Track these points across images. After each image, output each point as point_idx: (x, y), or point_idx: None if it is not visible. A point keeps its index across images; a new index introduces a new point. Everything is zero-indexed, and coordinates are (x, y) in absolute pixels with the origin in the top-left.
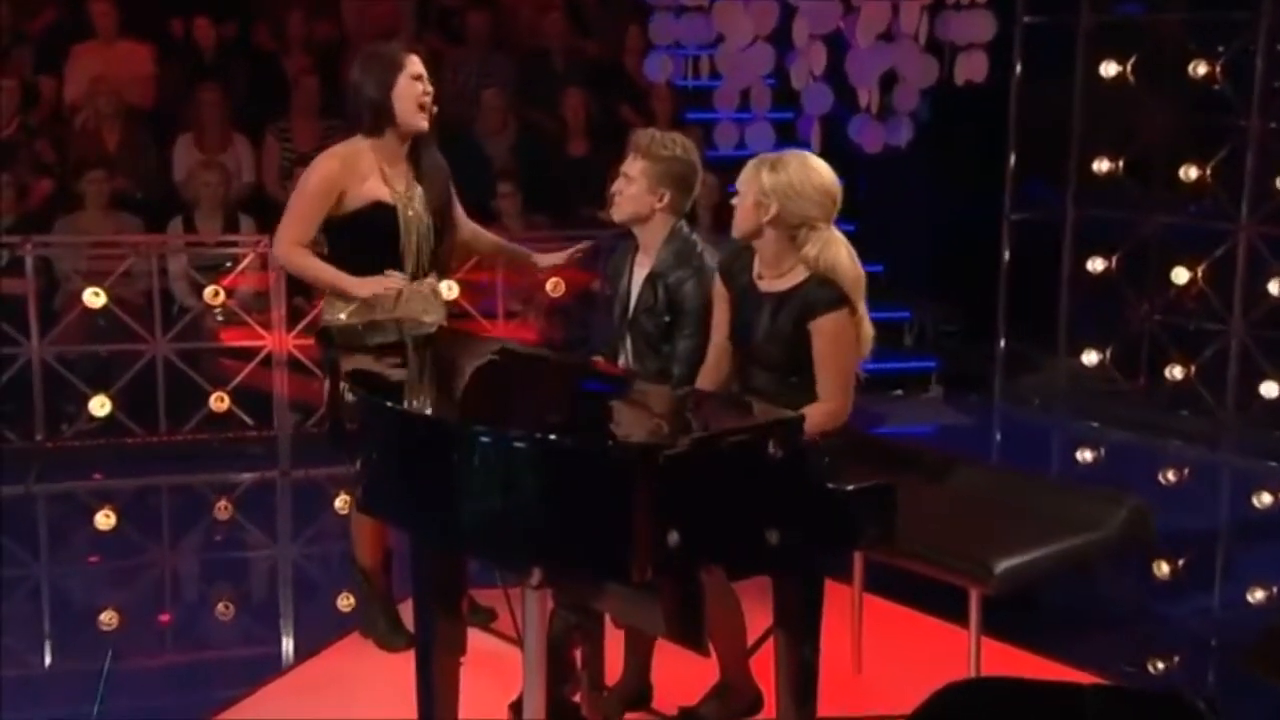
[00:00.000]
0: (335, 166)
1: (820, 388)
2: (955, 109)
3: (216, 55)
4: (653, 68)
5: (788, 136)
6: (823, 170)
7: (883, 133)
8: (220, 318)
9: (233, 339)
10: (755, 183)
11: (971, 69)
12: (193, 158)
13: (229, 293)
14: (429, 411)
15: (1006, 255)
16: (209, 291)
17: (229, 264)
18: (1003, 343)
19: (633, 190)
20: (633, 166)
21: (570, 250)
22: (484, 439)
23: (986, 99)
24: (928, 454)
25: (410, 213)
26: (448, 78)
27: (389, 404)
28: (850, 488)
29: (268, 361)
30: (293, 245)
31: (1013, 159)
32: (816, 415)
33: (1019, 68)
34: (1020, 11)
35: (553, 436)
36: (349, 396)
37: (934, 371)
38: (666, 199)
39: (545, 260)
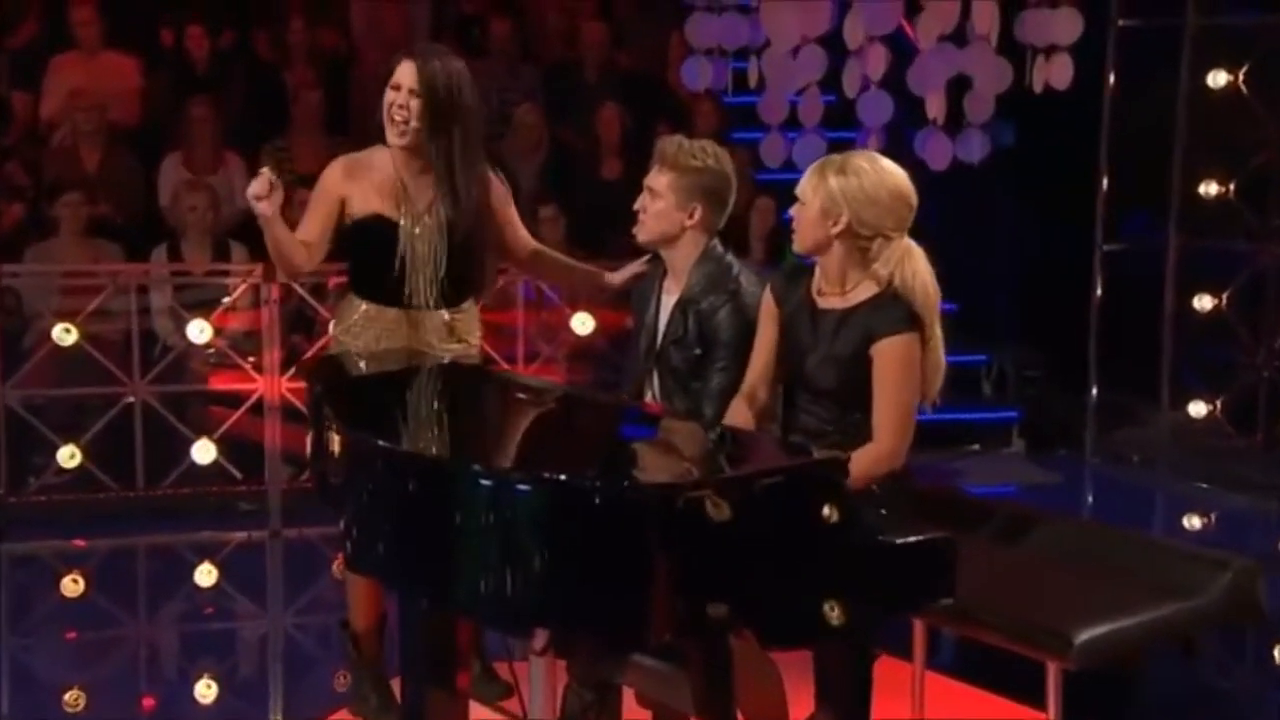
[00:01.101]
0: (336, 173)
1: (874, 423)
2: (1040, 123)
3: (210, 67)
4: (691, 74)
5: None
6: (896, 172)
7: (951, 147)
8: (212, 359)
9: (221, 382)
10: (821, 189)
11: (1053, 74)
12: (180, 179)
13: (218, 330)
14: (423, 450)
15: (1099, 291)
16: (193, 328)
17: (226, 299)
18: (1095, 391)
19: (659, 206)
20: (658, 180)
21: (638, 263)
22: (483, 480)
23: (1076, 113)
24: (999, 507)
25: (417, 231)
26: None
27: (378, 442)
28: (898, 541)
29: (259, 408)
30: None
31: (1106, 181)
32: (866, 458)
33: (1113, 77)
34: (1115, 12)
35: (562, 477)
36: (336, 442)
37: (1016, 423)
38: (698, 215)
39: (616, 278)
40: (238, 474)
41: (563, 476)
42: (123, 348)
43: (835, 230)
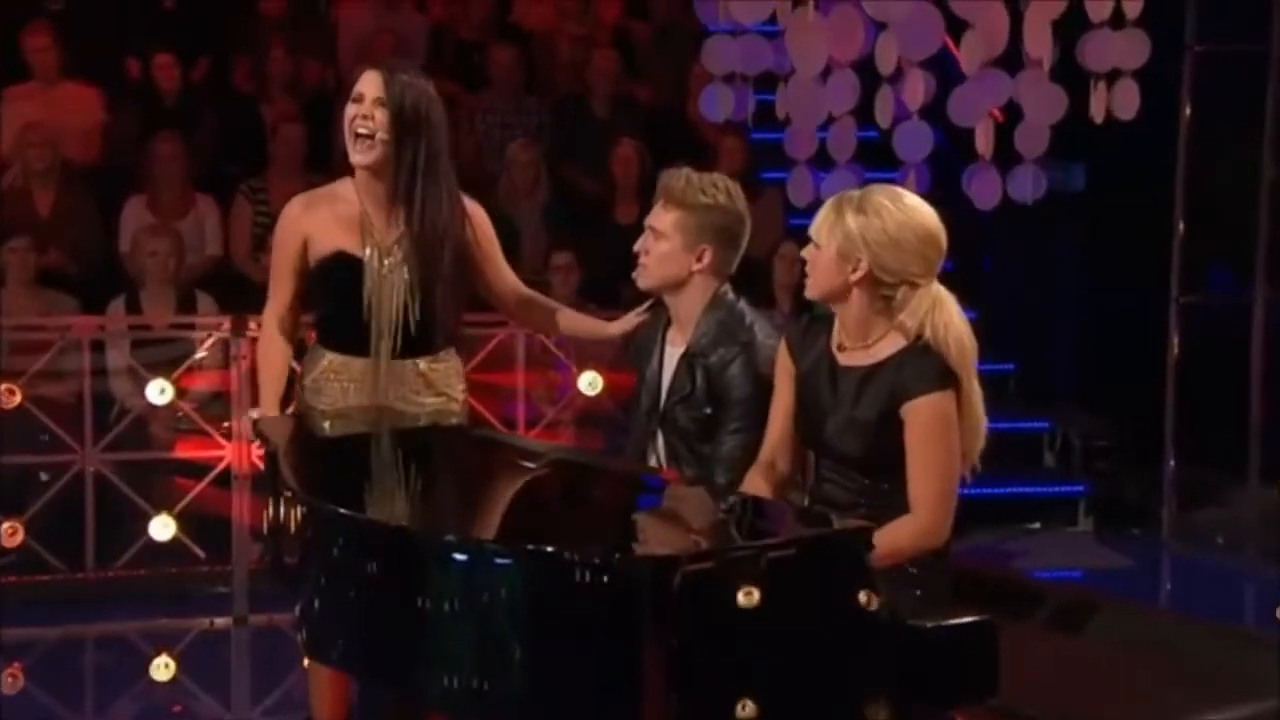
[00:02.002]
0: (294, 210)
1: (910, 494)
2: (1109, 161)
3: (180, 99)
4: (709, 104)
5: None
6: (923, 210)
7: (1001, 185)
8: (177, 425)
9: (184, 450)
10: (838, 229)
11: (1115, 102)
12: (143, 223)
13: (181, 392)
14: (388, 520)
15: (1176, 350)
16: (154, 389)
17: (192, 356)
18: (1172, 464)
19: (664, 248)
20: (662, 218)
21: (639, 310)
22: (456, 554)
23: (1148, 149)
24: (1058, 592)
25: (384, 267)
26: (465, 128)
27: (338, 510)
28: (930, 625)
29: (226, 479)
30: (269, 319)
31: (1182, 225)
32: (901, 533)
33: (1189, 108)
34: (1190, 37)
35: (548, 549)
36: (292, 514)
37: (1083, 499)
38: (707, 258)
39: (616, 327)
40: (200, 553)
41: (548, 549)
42: (74, 411)
43: (854, 276)
